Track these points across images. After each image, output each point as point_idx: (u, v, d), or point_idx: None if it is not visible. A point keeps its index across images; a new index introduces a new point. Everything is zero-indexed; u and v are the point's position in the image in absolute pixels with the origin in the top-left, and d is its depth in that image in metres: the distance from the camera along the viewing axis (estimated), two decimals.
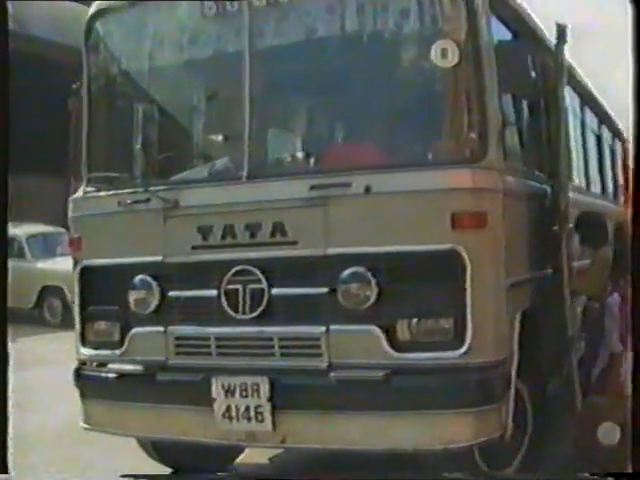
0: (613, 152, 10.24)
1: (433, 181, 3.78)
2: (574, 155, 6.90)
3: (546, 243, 4.62)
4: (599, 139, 9.08)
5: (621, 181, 10.48)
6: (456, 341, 3.74)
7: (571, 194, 5.95)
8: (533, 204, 4.61)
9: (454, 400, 3.70)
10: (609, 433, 4.62)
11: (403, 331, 3.77)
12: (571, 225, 4.69)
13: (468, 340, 3.72)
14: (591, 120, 8.20)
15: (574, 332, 4.69)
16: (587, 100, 7.89)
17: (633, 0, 2.94)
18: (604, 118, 9.29)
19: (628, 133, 3.55)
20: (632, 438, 2.80)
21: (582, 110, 7.85)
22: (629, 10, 2.89)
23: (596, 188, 8.62)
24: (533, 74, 4.86)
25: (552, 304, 4.61)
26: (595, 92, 8.66)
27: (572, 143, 6.56)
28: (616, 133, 10.28)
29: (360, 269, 3.75)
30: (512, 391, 4.03)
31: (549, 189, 4.78)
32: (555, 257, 4.58)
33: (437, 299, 3.75)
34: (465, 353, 3.72)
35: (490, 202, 3.87)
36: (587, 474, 3.43)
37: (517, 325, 4.10)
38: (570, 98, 6.65)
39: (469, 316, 3.72)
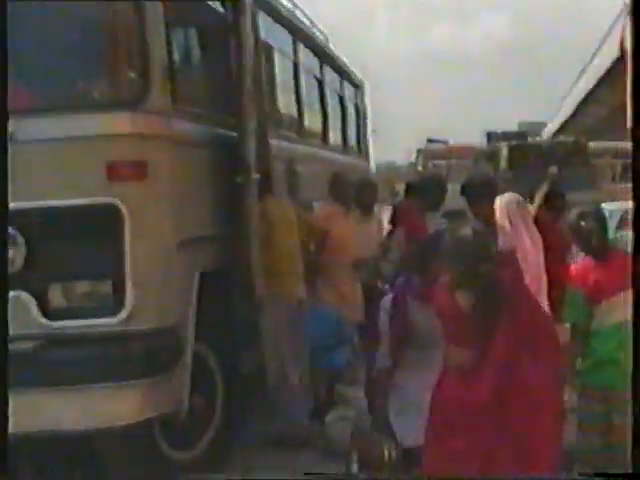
0: (357, 107, 11.14)
1: (86, 126, 3.85)
2: (295, 104, 7.47)
3: (231, 197, 4.85)
4: (339, 93, 9.84)
5: (364, 134, 11.45)
6: (115, 306, 3.86)
7: (280, 143, 6.49)
8: (214, 152, 4.81)
9: (114, 372, 3.81)
10: (334, 423, 5.10)
11: (56, 296, 3.86)
12: (257, 176, 5.04)
13: (129, 305, 3.85)
14: (325, 72, 8.88)
15: (265, 294, 5.08)
16: (320, 53, 8.54)
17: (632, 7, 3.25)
18: (342, 71, 10.07)
19: None
20: (632, 438, 2.96)
21: (320, 64, 8.51)
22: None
23: (335, 141, 9.37)
24: (219, 10, 5.18)
25: (240, 265, 4.86)
26: (331, 45, 9.37)
27: (283, 89, 7.08)
28: (358, 85, 11.19)
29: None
30: (188, 360, 4.28)
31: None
32: (241, 212, 4.84)
33: (93, 260, 3.83)
34: (126, 319, 3.86)
35: (153, 150, 4.00)
36: (587, 474, 3.62)
37: (195, 288, 4.32)
38: (284, 43, 7.15)
39: (129, 278, 3.84)
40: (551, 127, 46.94)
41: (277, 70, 6.90)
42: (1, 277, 2.98)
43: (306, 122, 7.80)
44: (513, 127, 36.78)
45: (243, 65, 4.94)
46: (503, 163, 8.65)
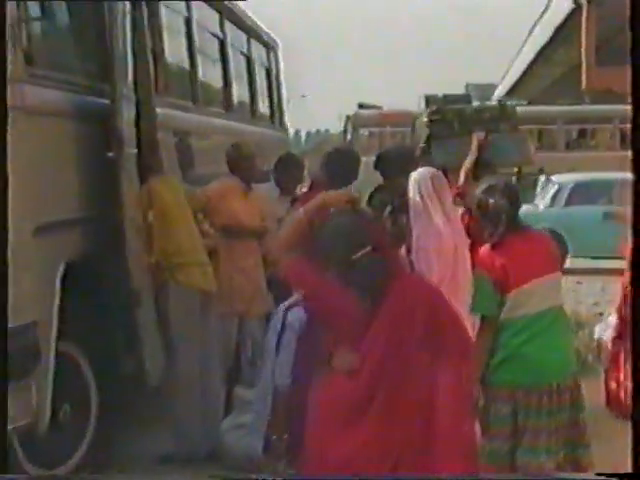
0: (269, 70, 11.07)
1: None
2: (189, 68, 7.37)
3: (102, 174, 4.80)
4: (246, 54, 9.75)
5: (279, 100, 11.39)
6: None
7: (169, 112, 6.40)
8: (82, 124, 4.73)
9: None
10: (228, 432, 5.07)
11: None
12: (133, 150, 4.96)
13: None
14: (229, 30, 8.78)
15: (142, 286, 5.03)
16: (222, 8, 8.43)
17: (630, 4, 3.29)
18: (250, 29, 9.98)
19: None
20: (632, 438, 3.09)
21: (220, 21, 8.40)
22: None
23: (242, 110, 9.29)
24: None
25: (113, 253, 4.82)
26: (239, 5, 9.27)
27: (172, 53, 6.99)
28: (269, 46, 11.11)
29: None
30: (51, 364, 4.21)
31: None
32: (114, 192, 4.80)
33: None
34: None
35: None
36: (587, 474, 3.71)
37: (57, 280, 4.26)
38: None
39: None
40: (501, 89, 47.59)
41: (166, 29, 6.78)
42: (1, 277, 3.19)
43: (204, 88, 7.70)
44: (460, 91, 37.13)
45: (112, 23, 4.84)
46: (422, 133, 8.69)
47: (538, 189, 15.29)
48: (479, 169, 6.17)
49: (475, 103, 23.87)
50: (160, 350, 5.14)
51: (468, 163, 6.12)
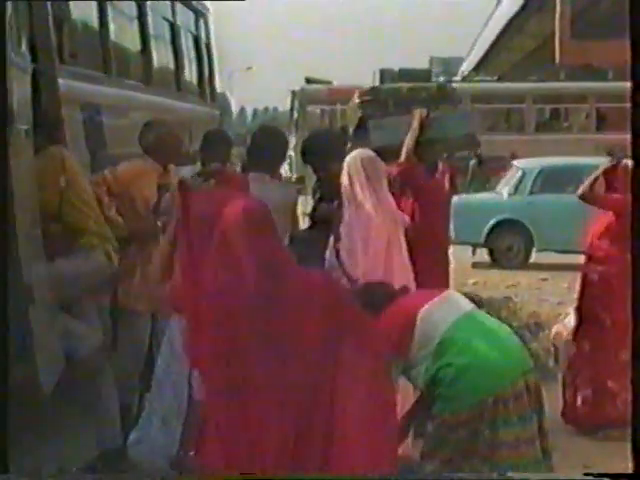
0: (197, 39, 11.01)
1: None
2: (100, 35, 7.29)
3: None
4: (169, 20, 9.68)
5: (210, 73, 11.34)
6: None
7: (75, 84, 6.33)
8: None
9: None
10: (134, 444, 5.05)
11: None
12: (26, 127, 4.89)
13: None
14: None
15: (36, 279, 4.95)
16: None
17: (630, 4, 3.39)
18: None
19: None
20: (632, 438, 3.26)
21: None
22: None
23: (164, 83, 9.23)
24: None
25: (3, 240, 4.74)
26: None
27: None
28: (198, 13, 11.05)
29: None
30: None
31: None
32: (5, 174, 4.70)
33: None
34: None
35: None
36: (586, 474, 3.84)
37: None
38: None
39: None
40: (468, 63, 47.92)
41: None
42: (1, 277, 3.42)
43: (118, 57, 7.62)
44: (423, 65, 37.37)
45: None
46: (352, 114, 8.76)
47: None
48: (422, 149, 6.23)
49: (440, 79, 24.09)
50: (56, 352, 5.09)
51: (409, 140, 6.19)
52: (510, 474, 3.88)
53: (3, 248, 3.28)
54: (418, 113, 6.30)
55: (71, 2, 6.65)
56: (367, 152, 5.31)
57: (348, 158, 5.17)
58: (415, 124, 6.22)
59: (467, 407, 3.93)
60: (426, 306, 4.05)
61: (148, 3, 8.49)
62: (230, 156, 6.80)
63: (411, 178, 6.10)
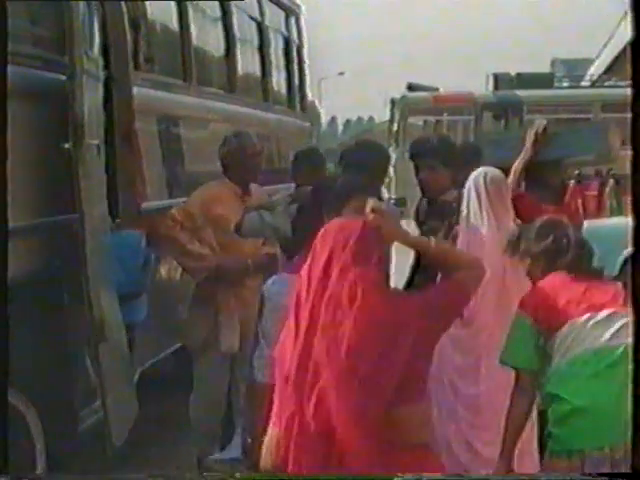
0: (288, 41, 11.11)
1: None
2: (180, 39, 7.42)
3: (57, 171, 4.86)
4: (257, 20, 9.80)
5: (301, 79, 11.43)
6: None
7: (152, 93, 6.44)
8: (27, 106, 4.75)
9: None
10: None
11: None
12: (95, 141, 4.98)
13: None
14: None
15: (106, 317, 5.03)
16: None
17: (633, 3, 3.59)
18: None
19: None
20: (632, 438, 3.43)
21: None
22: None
23: (251, 91, 9.34)
24: None
25: (72, 270, 4.86)
26: None
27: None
28: (289, 12, 11.15)
29: None
30: None
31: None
32: (73, 193, 4.77)
33: None
34: None
35: None
36: (587, 474, 3.94)
37: None
38: None
39: None
40: (600, 64, 47.35)
41: None
42: (1, 277, 3.60)
43: (198, 63, 7.75)
44: (544, 68, 37.10)
45: None
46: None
47: None
48: (544, 169, 6.15)
49: (564, 84, 23.69)
50: (129, 399, 5.17)
51: (518, 162, 6.12)
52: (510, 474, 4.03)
53: (3, 248, 3.40)
54: (535, 128, 6.20)
55: (148, 1, 6.76)
56: (493, 169, 5.28)
57: (482, 174, 5.14)
58: (528, 144, 6.13)
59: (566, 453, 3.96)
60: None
61: (233, 2, 8.59)
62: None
63: (521, 207, 6.03)
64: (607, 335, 4.01)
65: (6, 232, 3.61)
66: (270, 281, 4.24)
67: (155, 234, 5.91)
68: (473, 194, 5.05)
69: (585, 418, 3.95)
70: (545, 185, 6.23)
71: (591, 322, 4.04)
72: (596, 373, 3.98)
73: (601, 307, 4.07)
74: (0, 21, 3.69)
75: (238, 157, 6.00)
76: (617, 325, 4.04)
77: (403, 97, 21.47)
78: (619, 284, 4.28)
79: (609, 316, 4.05)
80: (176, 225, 5.76)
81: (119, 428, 5.06)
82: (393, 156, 21.14)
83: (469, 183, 5.14)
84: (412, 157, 5.79)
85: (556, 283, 4.18)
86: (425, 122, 22.26)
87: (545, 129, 6.06)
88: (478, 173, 5.18)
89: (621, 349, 3.97)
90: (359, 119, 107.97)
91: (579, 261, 4.21)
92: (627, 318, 3.95)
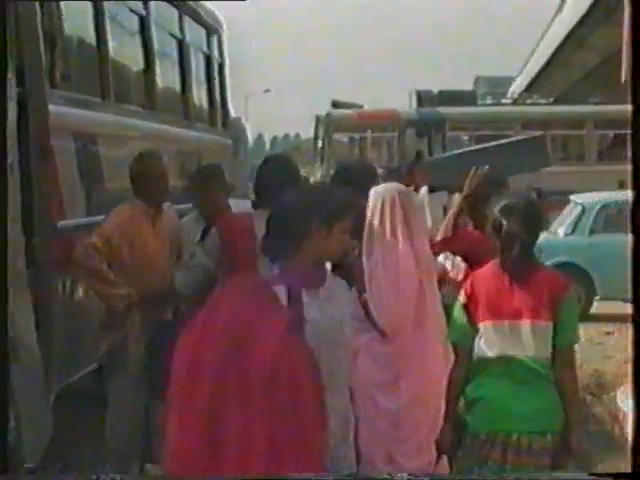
0: (209, 59, 11.11)
1: None
2: (98, 54, 7.36)
3: None
4: (178, 38, 9.78)
5: (222, 97, 11.42)
6: None
7: (68, 110, 6.39)
8: None
9: None
10: None
11: None
12: (9, 160, 4.90)
13: None
14: (154, 7, 8.81)
15: (20, 335, 4.98)
16: None
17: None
18: (187, 8, 10.01)
19: None
20: (632, 438, 3.62)
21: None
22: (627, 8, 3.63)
23: (171, 109, 9.30)
24: None
25: None
26: None
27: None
28: (210, 29, 11.15)
29: None
30: None
31: None
32: None
33: None
34: None
35: None
36: (587, 474, 4.07)
37: None
38: None
39: None
40: (521, 81, 47.98)
41: (66, 5, 6.80)
42: (1, 277, 3.77)
43: (117, 80, 7.70)
44: (466, 86, 37.48)
45: None
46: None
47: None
48: (486, 188, 6.17)
49: (487, 101, 23.94)
50: (44, 416, 5.12)
51: (448, 222, 6.18)
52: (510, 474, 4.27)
53: (3, 248, 3.39)
54: (474, 173, 6.21)
55: (64, 16, 6.71)
56: (402, 187, 5.31)
57: (379, 192, 5.16)
58: (465, 192, 6.18)
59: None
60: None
61: (152, 17, 8.57)
62: (227, 192, 6.61)
63: (469, 242, 6.12)
64: (508, 344, 4.41)
65: (5, 233, 3.50)
66: None
67: (73, 261, 5.83)
68: (387, 209, 5.06)
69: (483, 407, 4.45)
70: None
71: (498, 329, 4.44)
72: (494, 373, 4.44)
73: (514, 315, 4.41)
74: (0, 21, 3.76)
75: (145, 177, 6.00)
76: (522, 335, 4.41)
77: (327, 114, 21.50)
78: (556, 289, 4.47)
79: (513, 326, 4.42)
80: (96, 254, 5.69)
81: (32, 449, 5.01)
82: (318, 173, 21.25)
83: (379, 198, 5.12)
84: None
85: (488, 274, 4.53)
86: (350, 139, 22.33)
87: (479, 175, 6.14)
88: (390, 188, 5.19)
89: (518, 358, 4.40)
90: (286, 136, 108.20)
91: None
92: (535, 327, 4.39)
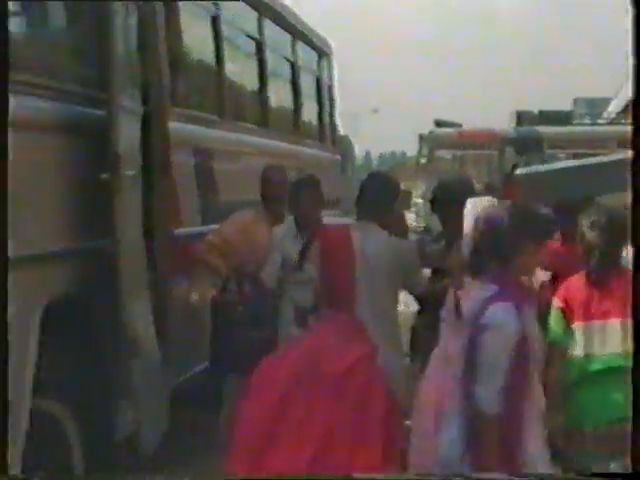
0: (319, 80, 11.18)
1: None
2: (216, 75, 7.47)
3: (96, 200, 4.89)
4: (290, 60, 9.87)
5: (331, 116, 11.47)
6: None
7: (187, 127, 6.50)
8: (70, 138, 4.83)
9: None
10: None
11: None
12: (131, 173, 5.04)
13: None
14: (268, 31, 8.90)
15: (139, 335, 5.08)
16: (259, 4, 8.55)
17: (633, 1, 3.73)
18: (296, 31, 10.09)
19: None
20: (632, 438, 3.60)
21: (259, 20, 8.53)
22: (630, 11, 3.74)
23: (283, 126, 9.39)
24: None
25: (107, 292, 4.89)
26: (283, 2, 9.40)
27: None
28: (320, 52, 11.23)
29: None
30: (22, 427, 4.22)
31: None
32: (111, 221, 4.84)
33: None
34: None
35: None
36: (587, 474, 4.15)
37: (34, 324, 4.33)
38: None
39: None
40: (618, 102, 47.03)
41: (186, 28, 6.91)
42: (1, 277, 3.54)
43: (234, 99, 7.81)
44: (565, 107, 36.90)
45: (113, 20, 4.94)
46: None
47: None
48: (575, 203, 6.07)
49: (585, 121, 23.47)
50: (160, 411, 5.19)
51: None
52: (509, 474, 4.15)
53: (3, 249, 3.43)
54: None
55: (186, 40, 6.82)
56: (494, 200, 5.26)
57: (472, 204, 5.11)
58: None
59: None
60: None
61: (267, 42, 8.66)
62: (321, 204, 6.50)
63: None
64: (597, 344, 4.59)
65: (6, 234, 3.57)
66: (493, 309, 4.14)
67: (190, 259, 5.98)
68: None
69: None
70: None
71: (587, 329, 4.61)
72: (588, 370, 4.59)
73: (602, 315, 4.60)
74: (0, 21, 3.62)
75: (274, 187, 6.23)
76: (609, 334, 4.58)
77: (430, 132, 21.48)
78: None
79: (602, 326, 4.60)
80: (212, 250, 5.89)
81: (150, 438, 5.09)
82: (420, 188, 21.18)
83: (474, 217, 5.07)
84: (432, 205, 5.86)
85: (579, 281, 4.73)
86: (452, 156, 22.22)
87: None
88: (482, 201, 5.13)
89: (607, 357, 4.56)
90: (392, 153, 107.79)
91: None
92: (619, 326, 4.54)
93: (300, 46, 10.16)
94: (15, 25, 4.61)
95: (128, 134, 5.10)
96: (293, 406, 4.15)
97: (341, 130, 13.01)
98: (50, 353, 4.51)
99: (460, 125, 22.04)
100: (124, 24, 5.09)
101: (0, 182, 3.51)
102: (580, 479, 4.11)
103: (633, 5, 3.80)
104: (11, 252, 4.21)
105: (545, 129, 20.93)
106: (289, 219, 6.24)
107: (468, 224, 5.03)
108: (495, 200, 5.27)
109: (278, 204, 6.31)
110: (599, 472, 4.15)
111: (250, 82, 8.54)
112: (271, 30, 8.95)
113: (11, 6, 4.49)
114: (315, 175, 6.52)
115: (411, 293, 5.86)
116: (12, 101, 4.31)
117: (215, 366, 6.02)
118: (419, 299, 5.99)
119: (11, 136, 4.32)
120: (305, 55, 10.38)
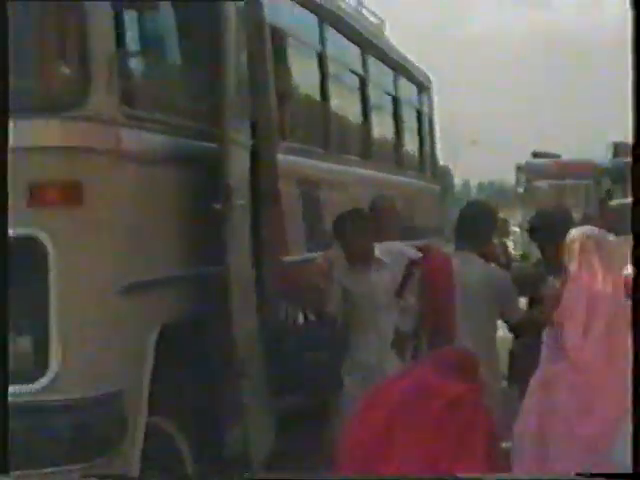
0: (419, 113, 11.20)
1: None
2: (321, 109, 7.55)
3: (208, 228, 4.96)
4: (392, 94, 9.92)
5: (431, 147, 11.47)
6: (36, 369, 3.95)
7: (293, 159, 6.57)
8: (183, 171, 4.93)
9: (32, 457, 3.85)
10: None
11: None
12: (242, 202, 5.12)
13: (54, 367, 3.94)
14: (371, 66, 8.96)
15: (248, 354, 5.15)
16: (363, 41, 8.62)
17: (633, 2, 3.76)
18: (398, 65, 10.14)
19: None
20: (632, 438, 3.54)
21: (362, 56, 8.60)
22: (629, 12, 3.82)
23: (386, 159, 9.43)
24: None
25: (218, 315, 4.97)
26: (385, 32, 9.47)
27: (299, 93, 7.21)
28: (420, 86, 11.25)
29: None
30: (139, 439, 4.32)
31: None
32: (222, 248, 4.91)
33: (28, 307, 3.92)
34: (49, 386, 3.94)
35: (92, 168, 4.10)
36: (587, 475, 3.98)
37: (150, 345, 4.42)
38: (306, 26, 7.28)
39: (54, 331, 3.94)
40: None
41: (293, 64, 6.99)
42: (1, 277, 3.47)
43: (338, 132, 7.86)
44: None
45: (225, 57, 5.03)
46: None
47: None
48: None
49: None
50: (268, 428, 5.23)
51: None
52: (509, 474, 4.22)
53: (3, 249, 3.45)
54: None
55: (293, 76, 6.91)
56: (593, 229, 5.21)
57: (572, 235, 5.07)
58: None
59: None
60: None
61: (370, 77, 8.72)
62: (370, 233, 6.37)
63: None
64: None
65: (6, 236, 3.58)
66: None
67: (300, 284, 6.01)
68: (577, 250, 4.97)
69: None
70: None
71: None
72: None
73: None
74: (0, 21, 3.56)
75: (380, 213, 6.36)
76: None
77: (527, 163, 21.37)
78: None
79: None
80: (321, 271, 5.86)
81: (258, 455, 5.13)
82: (518, 217, 20.99)
83: (572, 240, 5.02)
84: (531, 234, 5.81)
85: None
86: (549, 185, 22.02)
87: None
88: (585, 235, 5.07)
89: None
90: (490, 182, 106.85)
91: None
92: None
93: (401, 80, 10.21)
94: (134, 64, 4.74)
95: (238, 166, 5.19)
96: (399, 431, 4.22)
97: (441, 161, 12.98)
98: (163, 372, 4.58)
99: (558, 156, 21.86)
100: (235, 61, 5.17)
101: (0, 185, 3.51)
102: (580, 479, 3.97)
103: (633, 6, 3.72)
104: (131, 278, 4.35)
105: None
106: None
107: (588, 262, 4.96)
108: (596, 230, 5.22)
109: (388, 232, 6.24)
110: (599, 473, 3.99)
111: (354, 115, 8.59)
112: (374, 65, 9.01)
113: (130, 47, 4.64)
114: (362, 209, 6.34)
115: (506, 322, 5.77)
116: (134, 136, 4.46)
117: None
118: (514, 328, 5.91)
119: (134, 169, 4.46)
120: (406, 89, 10.42)
